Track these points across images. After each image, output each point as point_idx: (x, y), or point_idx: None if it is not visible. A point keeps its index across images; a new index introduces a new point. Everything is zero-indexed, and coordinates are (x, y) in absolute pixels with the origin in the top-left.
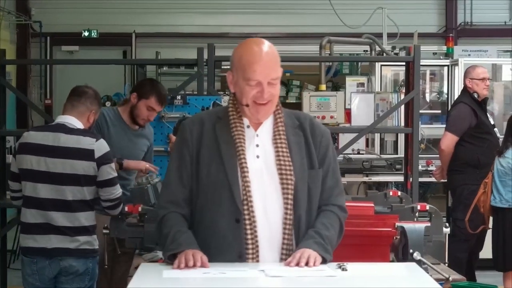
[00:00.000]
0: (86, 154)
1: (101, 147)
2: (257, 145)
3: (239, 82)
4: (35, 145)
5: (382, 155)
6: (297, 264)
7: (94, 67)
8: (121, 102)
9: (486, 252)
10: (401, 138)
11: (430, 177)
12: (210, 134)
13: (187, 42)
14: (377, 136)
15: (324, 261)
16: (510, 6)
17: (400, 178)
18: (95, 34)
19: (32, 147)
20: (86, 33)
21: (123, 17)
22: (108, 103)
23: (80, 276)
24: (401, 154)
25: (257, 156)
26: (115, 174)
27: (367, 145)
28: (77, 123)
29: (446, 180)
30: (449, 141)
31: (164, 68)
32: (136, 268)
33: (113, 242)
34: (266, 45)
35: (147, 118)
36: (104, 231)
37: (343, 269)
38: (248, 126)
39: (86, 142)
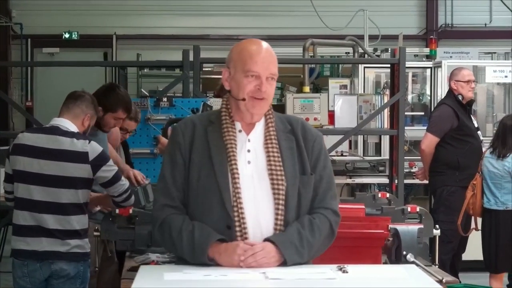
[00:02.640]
0: (80, 157)
1: (94, 148)
2: (249, 151)
3: (237, 76)
4: (29, 146)
5: (365, 157)
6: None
7: (75, 69)
8: None
9: (469, 254)
10: (384, 140)
11: (413, 179)
12: (201, 138)
13: (168, 44)
14: (360, 138)
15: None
16: (491, 8)
17: (383, 180)
18: (76, 36)
19: (26, 149)
20: (67, 35)
21: (104, 19)
22: None
23: (71, 280)
24: (384, 156)
25: (248, 162)
26: (116, 168)
27: (350, 147)
28: (71, 126)
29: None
30: (429, 141)
31: (145, 70)
32: (129, 270)
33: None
34: (267, 44)
35: (114, 125)
36: (95, 233)
37: (344, 271)
38: (240, 131)
39: (80, 145)
